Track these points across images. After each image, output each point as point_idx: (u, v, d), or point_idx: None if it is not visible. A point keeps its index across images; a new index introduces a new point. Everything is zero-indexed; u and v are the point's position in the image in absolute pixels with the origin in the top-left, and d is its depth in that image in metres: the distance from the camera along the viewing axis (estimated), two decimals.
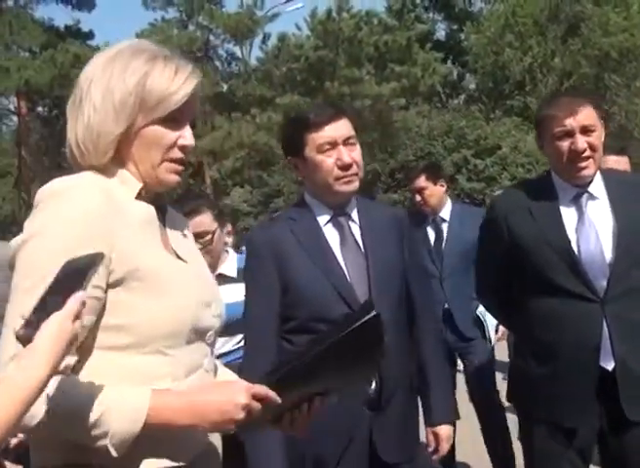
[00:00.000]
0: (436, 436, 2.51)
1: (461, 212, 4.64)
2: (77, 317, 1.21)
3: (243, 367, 2.41)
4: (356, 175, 2.38)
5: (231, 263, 3.35)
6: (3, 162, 32.22)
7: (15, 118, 28.09)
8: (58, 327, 1.17)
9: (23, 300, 1.36)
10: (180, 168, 1.60)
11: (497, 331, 4.59)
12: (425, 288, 2.63)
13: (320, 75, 22.45)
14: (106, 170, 1.56)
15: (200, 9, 26.56)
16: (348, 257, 2.39)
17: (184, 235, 1.74)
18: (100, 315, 1.45)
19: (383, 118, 22.77)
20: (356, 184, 2.40)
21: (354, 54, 22.28)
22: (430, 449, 2.53)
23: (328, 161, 2.35)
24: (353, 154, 2.37)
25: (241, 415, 1.43)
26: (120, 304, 1.46)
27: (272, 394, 1.48)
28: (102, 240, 1.43)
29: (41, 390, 1.17)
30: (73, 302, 1.20)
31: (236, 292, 2.88)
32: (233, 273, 3.29)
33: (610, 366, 2.47)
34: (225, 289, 2.95)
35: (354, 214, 2.47)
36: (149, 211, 1.59)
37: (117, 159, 1.57)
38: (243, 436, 2.29)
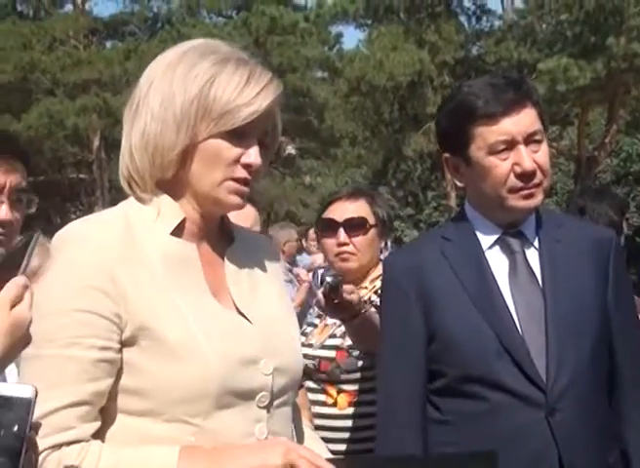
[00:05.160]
0: None
1: None
2: (16, 302, 1.37)
3: (379, 440, 2.42)
4: (540, 185, 2.29)
5: None
6: None
7: None
8: None
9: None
10: (243, 189, 1.75)
11: None
12: (635, 343, 2.43)
13: (600, 28, 21.67)
14: (147, 195, 1.75)
15: None
16: (519, 295, 2.31)
17: (257, 268, 1.88)
18: (118, 376, 1.64)
19: None
20: (539, 199, 2.31)
21: None
22: None
23: (502, 166, 2.27)
24: (537, 156, 2.28)
25: None
26: (133, 366, 1.64)
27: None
28: (107, 297, 1.62)
29: None
30: (8, 288, 1.37)
31: None
32: None
33: None
34: None
35: (532, 235, 2.38)
36: (185, 249, 1.74)
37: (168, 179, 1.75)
38: None
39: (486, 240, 2.37)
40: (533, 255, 2.35)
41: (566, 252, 2.35)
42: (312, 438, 2.01)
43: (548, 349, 2.24)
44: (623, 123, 26.79)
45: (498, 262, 2.34)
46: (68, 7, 28.93)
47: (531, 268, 2.34)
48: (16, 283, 1.38)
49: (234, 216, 1.93)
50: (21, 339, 1.40)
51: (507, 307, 2.28)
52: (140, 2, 30.62)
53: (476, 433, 2.23)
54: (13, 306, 1.36)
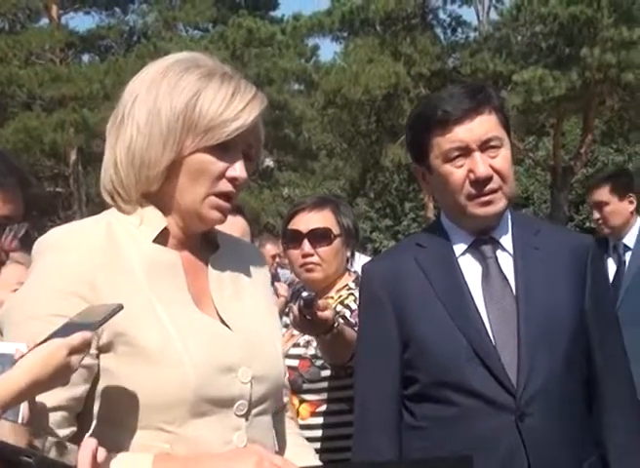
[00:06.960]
0: None
1: None
2: (76, 352, 1.46)
3: (355, 447, 2.43)
4: (498, 191, 2.30)
5: None
6: None
7: None
8: (47, 350, 1.45)
9: None
10: (225, 204, 1.76)
11: None
12: (616, 349, 2.43)
13: (575, 40, 21.84)
14: (130, 206, 1.75)
15: None
16: (492, 301, 2.32)
17: (242, 275, 1.89)
18: (94, 383, 1.64)
19: None
20: (500, 205, 2.31)
21: (623, 7, 21.44)
22: None
23: (457, 173, 2.29)
24: (495, 162, 2.29)
25: None
26: (110, 372, 1.64)
27: None
28: (85, 302, 1.62)
29: (12, 402, 1.41)
30: (75, 336, 1.46)
31: None
32: None
33: None
34: None
35: (506, 241, 2.38)
36: (167, 257, 1.75)
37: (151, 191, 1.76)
38: None
39: (459, 246, 2.38)
40: (507, 262, 2.36)
41: (542, 258, 2.36)
42: (298, 445, 2.01)
43: (520, 354, 2.24)
44: (599, 133, 26.98)
45: (470, 268, 2.35)
46: (44, 21, 28.84)
47: (504, 274, 2.34)
48: (82, 335, 1.47)
49: (223, 228, 1.93)
50: (62, 380, 1.49)
51: (479, 313, 2.29)
52: (116, 16, 30.62)
53: (447, 438, 2.24)
54: (70, 353, 1.46)
